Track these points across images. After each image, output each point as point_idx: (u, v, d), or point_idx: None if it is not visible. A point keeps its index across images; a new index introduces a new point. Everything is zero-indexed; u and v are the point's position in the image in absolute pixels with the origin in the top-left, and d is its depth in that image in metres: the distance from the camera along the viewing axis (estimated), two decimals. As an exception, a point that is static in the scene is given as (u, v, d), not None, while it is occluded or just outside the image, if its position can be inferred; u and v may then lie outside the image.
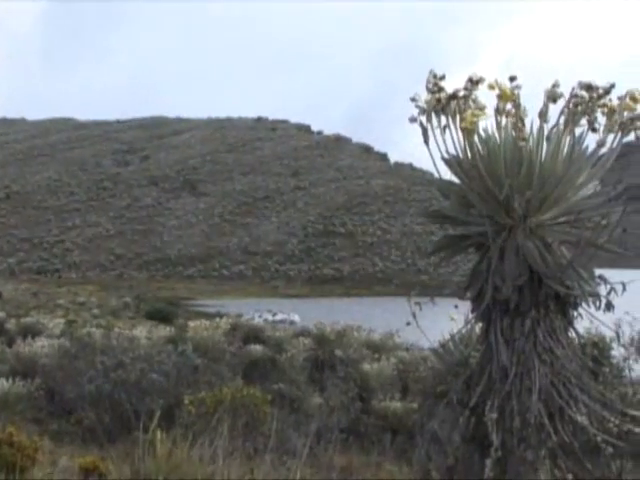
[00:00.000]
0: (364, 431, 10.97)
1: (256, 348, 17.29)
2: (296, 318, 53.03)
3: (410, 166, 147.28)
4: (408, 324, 6.54)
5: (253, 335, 21.63)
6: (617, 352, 11.09)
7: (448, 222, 6.59)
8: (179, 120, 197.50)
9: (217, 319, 22.44)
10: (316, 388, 14.04)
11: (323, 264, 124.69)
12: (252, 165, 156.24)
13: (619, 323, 11.58)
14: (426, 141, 5.96)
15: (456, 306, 6.87)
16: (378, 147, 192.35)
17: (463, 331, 6.73)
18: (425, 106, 5.85)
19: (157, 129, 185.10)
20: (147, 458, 5.79)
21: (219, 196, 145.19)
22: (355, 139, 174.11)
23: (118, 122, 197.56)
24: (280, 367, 15.04)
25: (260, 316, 49.71)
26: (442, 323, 7.11)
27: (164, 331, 21.84)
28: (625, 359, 11.47)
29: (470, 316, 6.26)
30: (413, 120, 5.95)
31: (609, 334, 8.03)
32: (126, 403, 10.38)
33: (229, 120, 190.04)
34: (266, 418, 8.70)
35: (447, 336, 7.05)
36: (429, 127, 5.93)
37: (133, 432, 7.02)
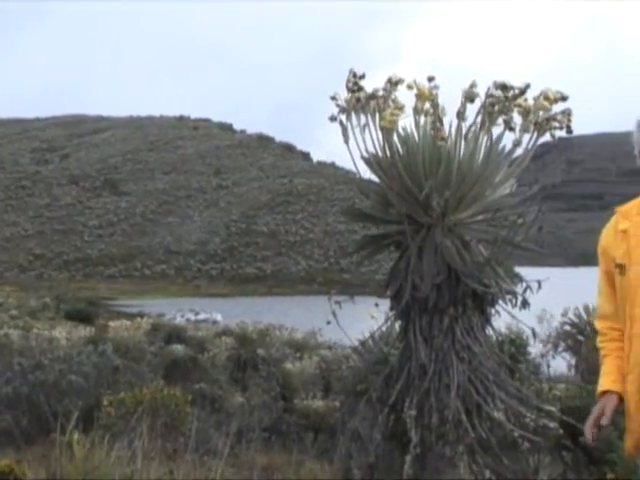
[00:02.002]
0: (286, 430, 10.94)
1: (177, 348, 17.13)
2: (219, 317, 52.70)
3: (333, 165, 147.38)
4: (328, 323, 6.57)
5: (175, 335, 21.42)
6: (534, 349, 11.27)
7: (368, 221, 6.64)
8: (99, 118, 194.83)
9: (138, 319, 22.25)
10: (238, 387, 13.99)
11: (246, 263, 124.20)
12: (174, 164, 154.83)
13: (542, 317, 11.78)
14: (346, 140, 6.00)
15: (376, 304, 6.93)
16: (301, 146, 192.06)
17: (383, 329, 6.79)
18: (345, 105, 5.89)
19: (77, 127, 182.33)
20: (64, 460, 5.72)
21: (140, 195, 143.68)
22: (278, 138, 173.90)
23: (37, 120, 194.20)
24: (202, 367, 14.95)
25: (182, 316, 49.37)
26: (364, 321, 7.15)
27: (84, 332, 21.55)
28: (542, 355, 11.66)
29: (390, 314, 6.32)
30: (333, 119, 5.99)
31: (527, 331, 8.15)
32: (44, 405, 10.20)
33: (150, 118, 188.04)
34: (186, 418, 8.64)
35: (368, 334, 7.10)
36: (349, 126, 5.97)
37: (51, 434, 6.91)
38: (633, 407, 3.63)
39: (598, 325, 3.97)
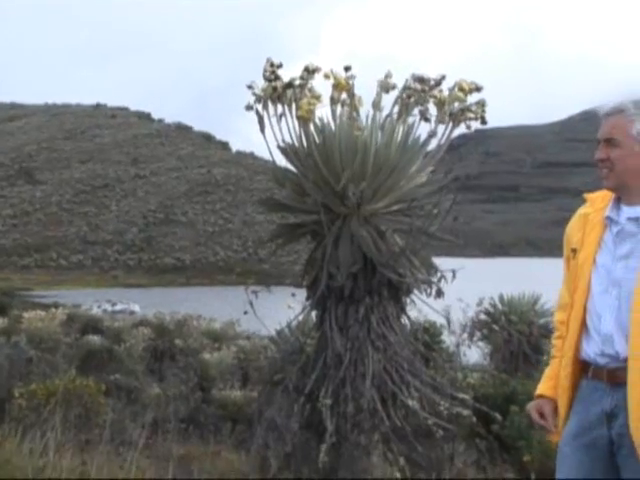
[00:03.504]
0: (204, 420, 10.88)
1: (93, 339, 16.90)
2: (136, 308, 52.22)
3: (252, 155, 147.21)
4: (246, 313, 6.56)
5: (91, 325, 21.18)
6: (449, 338, 11.40)
7: (285, 211, 6.63)
8: (14, 106, 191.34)
9: (53, 310, 21.87)
10: (155, 378, 13.88)
11: (164, 253, 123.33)
12: (91, 153, 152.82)
13: (458, 306, 11.93)
14: (262, 129, 5.98)
15: (293, 294, 6.94)
16: (220, 136, 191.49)
17: (300, 319, 6.80)
18: (262, 94, 5.87)
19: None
20: (-26, 454, 5.60)
21: (56, 184, 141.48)
22: (197, 127, 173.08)
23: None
24: (118, 358, 14.75)
25: (99, 306, 48.71)
26: (282, 312, 7.15)
27: (-3, 322, 21.14)
28: (458, 345, 11.80)
29: (306, 304, 6.33)
30: (249, 108, 5.96)
31: (442, 321, 8.24)
32: (-45, 398, 10.00)
33: (66, 106, 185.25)
34: (101, 409, 8.53)
35: (285, 324, 7.11)
36: (265, 115, 5.96)
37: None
38: (562, 392, 3.68)
39: (556, 317, 3.97)
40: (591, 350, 3.56)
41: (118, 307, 52.88)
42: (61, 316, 20.13)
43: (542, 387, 3.81)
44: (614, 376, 3.48)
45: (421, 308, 6.44)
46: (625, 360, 3.41)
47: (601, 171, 3.53)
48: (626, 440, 3.41)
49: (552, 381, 3.77)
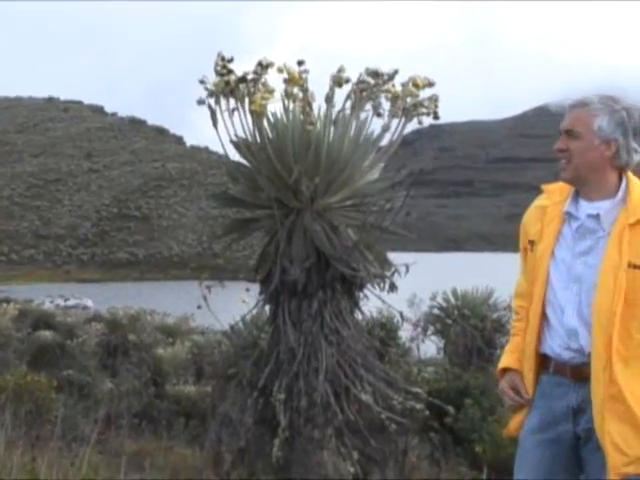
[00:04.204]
0: (157, 416, 10.82)
1: (45, 334, 16.74)
2: (89, 303, 51.77)
3: (206, 149, 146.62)
4: (199, 307, 6.54)
5: (43, 321, 20.95)
6: (405, 333, 11.45)
7: (238, 205, 6.61)
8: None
9: (4, 305, 21.61)
10: (108, 374, 13.78)
11: (118, 248, 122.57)
12: (43, 146, 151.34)
13: (412, 301, 11.98)
14: (214, 124, 5.96)
15: (247, 289, 6.93)
16: (174, 130, 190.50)
17: (253, 313, 6.79)
18: (214, 88, 5.84)
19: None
20: None
21: (8, 178, 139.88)
22: (151, 121, 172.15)
23: None
24: (70, 353, 14.63)
25: (51, 301, 48.13)
26: (236, 306, 7.14)
27: (-54, 319, 20.85)
28: (412, 339, 11.86)
29: (260, 298, 6.32)
30: (201, 102, 5.93)
31: (397, 315, 8.27)
32: None
33: (18, 99, 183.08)
34: (52, 405, 8.47)
35: (239, 319, 7.09)
36: (218, 110, 5.93)
37: None
38: (526, 384, 3.69)
39: (514, 303, 3.98)
40: (555, 344, 3.57)
41: (71, 302, 52.32)
42: (12, 311, 19.88)
43: (507, 360, 3.80)
44: (579, 372, 3.50)
45: (377, 303, 6.46)
46: (589, 355, 3.44)
47: (559, 162, 3.55)
48: (593, 434, 3.44)
49: (515, 354, 3.77)
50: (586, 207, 3.54)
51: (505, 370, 3.80)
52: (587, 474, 3.60)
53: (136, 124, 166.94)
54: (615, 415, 3.36)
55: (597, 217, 3.48)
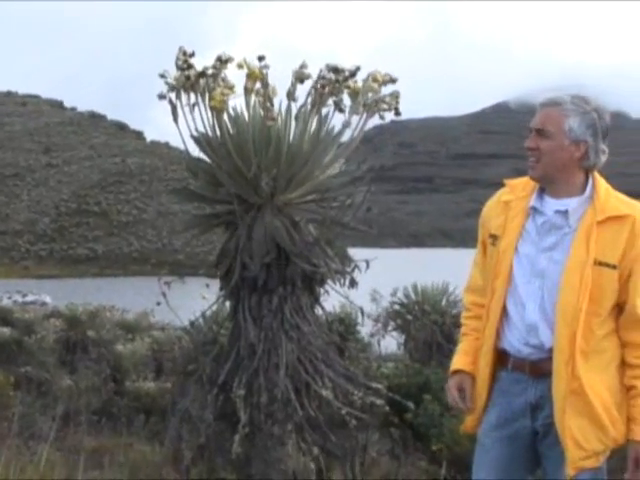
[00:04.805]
0: (117, 412, 10.75)
1: (2, 330, 16.57)
2: (47, 299, 51.29)
3: (166, 145, 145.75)
4: (159, 304, 6.51)
5: (1, 317, 20.74)
6: (365, 328, 11.47)
7: (198, 201, 6.59)
8: None
9: (-39, 301, 21.44)
10: (67, 370, 13.67)
11: (77, 244, 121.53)
12: (1, 141, 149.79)
13: (373, 296, 12.01)
14: (175, 119, 5.92)
15: (207, 285, 6.92)
16: (134, 125, 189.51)
17: (213, 309, 6.78)
18: (175, 83, 5.81)
19: None
20: None
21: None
22: (110, 116, 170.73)
23: None
24: (28, 350, 14.49)
25: (9, 297, 47.66)
26: (196, 302, 7.12)
27: None
28: (373, 335, 11.90)
29: (220, 294, 6.31)
30: (162, 97, 5.89)
31: (357, 311, 8.29)
32: None
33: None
34: (10, 402, 8.40)
35: (199, 315, 7.07)
36: (178, 104, 5.90)
37: None
38: (481, 382, 3.70)
39: (465, 298, 3.97)
40: (514, 339, 3.59)
41: (29, 298, 51.85)
42: (-31, 308, 19.74)
43: (460, 362, 3.80)
44: (537, 368, 3.52)
45: (339, 299, 6.48)
46: (549, 351, 3.45)
47: (529, 160, 3.57)
48: (552, 429, 3.47)
49: (469, 357, 3.78)
50: (553, 203, 3.56)
51: (457, 371, 3.82)
52: (545, 469, 3.63)
53: (96, 119, 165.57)
54: (575, 410, 3.39)
55: (565, 213, 3.50)
